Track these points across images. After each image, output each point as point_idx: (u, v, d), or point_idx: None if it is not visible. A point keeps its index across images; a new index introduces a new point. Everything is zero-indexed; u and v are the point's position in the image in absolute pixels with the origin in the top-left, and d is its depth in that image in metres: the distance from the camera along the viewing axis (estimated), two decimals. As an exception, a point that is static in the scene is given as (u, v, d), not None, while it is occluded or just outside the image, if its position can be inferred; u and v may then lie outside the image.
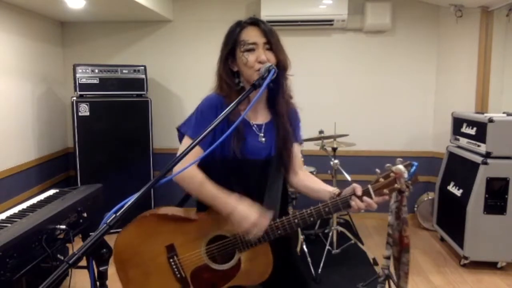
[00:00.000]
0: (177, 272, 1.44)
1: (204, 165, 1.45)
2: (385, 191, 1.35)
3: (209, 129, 1.18)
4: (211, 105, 1.47)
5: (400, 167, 1.35)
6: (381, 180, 1.36)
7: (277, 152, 1.49)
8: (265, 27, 1.43)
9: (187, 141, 1.47)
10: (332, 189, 1.46)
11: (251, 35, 1.41)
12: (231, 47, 1.45)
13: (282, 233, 1.38)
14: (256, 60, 1.40)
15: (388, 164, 1.38)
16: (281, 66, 1.43)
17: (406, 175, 1.34)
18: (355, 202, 1.35)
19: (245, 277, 1.43)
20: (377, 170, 1.38)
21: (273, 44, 1.42)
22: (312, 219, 1.39)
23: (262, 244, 1.40)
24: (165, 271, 1.44)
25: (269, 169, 1.47)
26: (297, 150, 1.56)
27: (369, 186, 1.36)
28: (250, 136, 1.47)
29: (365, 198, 1.35)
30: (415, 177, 1.37)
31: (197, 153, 1.37)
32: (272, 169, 1.48)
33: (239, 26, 1.45)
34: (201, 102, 1.53)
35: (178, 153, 1.19)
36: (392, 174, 1.35)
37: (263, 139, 1.48)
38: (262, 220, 1.34)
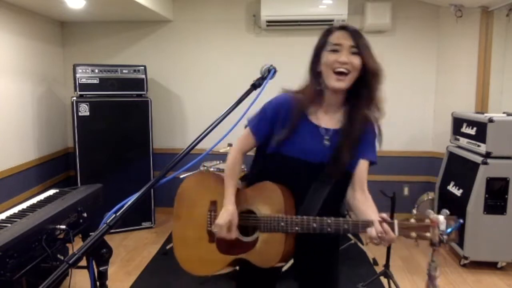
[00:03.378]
0: (210, 225, 1.60)
1: (266, 156, 1.53)
2: (413, 234, 1.25)
3: (210, 128, 1.23)
4: (279, 105, 1.49)
5: (440, 217, 1.25)
6: (413, 221, 1.27)
7: (331, 159, 1.43)
8: (354, 32, 1.41)
9: (246, 132, 1.56)
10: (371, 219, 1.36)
11: (338, 36, 1.40)
12: (320, 48, 1.44)
13: (299, 231, 1.39)
14: (335, 60, 1.37)
15: (430, 210, 1.29)
16: (368, 71, 1.38)
17: (443, 227, 1.23)
18: (374, 226, 1.28)
19: (255, 256, 1.49)
20: (414, 211, 1.30)
21: (360, 48, 1.38)
22: (329, 229, 1.35)
23: (280, 234, 1.43)
24: (203, 220, 1.62)
25: (319, 175, 1.44)
26: (362, 167, 1.46)
27: (395, 220, 1.28)
28: (311, 138, 1.45)
29: (385, 225, 1.26)
30: (454, 234, 1.24)
31: (248, 140, 1.55)
32: (321, 175, 1.44)
33: (329, 30, 1.45)
34: (268, 101, 1.54)
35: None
36: (427, 220, 1.25)
37: (327, 143, 1.45)
38: (228, 232, 1.48)
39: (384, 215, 1.30)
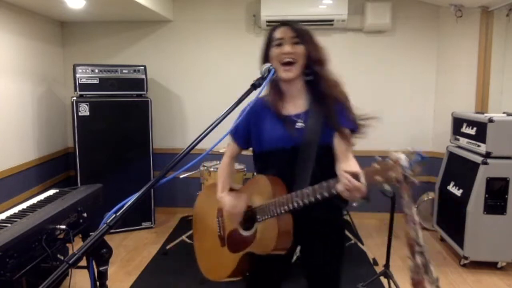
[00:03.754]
0: (219, 231, 1.72)
1: (256, 157, 1.65)
2: (378, 177, 1.22)
3: (210, 128, 1.26)
4: (248, 109, 1.49)
5: (400, 154, 1.20)
6: (376, 165, 1.24)
7: (302, 139, 1.48)
8: (295, 25, 1.51)
9: (230, 141, 1.71)
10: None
11: (281, 31, 1.50)
12: (267, 47, 1.54)
13: (287, 209, 1.42)
14: (280, 52, 1.47)
15: (390, 150, 1.25)
16: (311, 58, 1.49)
17: (405, 163, 1.19)
18: (343, 180, 1.27)
19: (257, 246, 1.55)
20: (377, 157, 1.25)
21: (301, 37, 1.48)
22: (311, 198, 1.37)
23: (271, 219, 1.47)
24: (214, 229, 1.74)
25: (297, 157, 1.49)
26: (338, 139, 1.49)
27: (361, 170, 1.27)
28: (282, 126, 1.53)
29: (348, 176, 1.27)
30: (417, 167, 1.20)
31: (233, 147, 1.71)
32: (299, 156, 1.48)
33: (273, 28, 1.54)
34: (243, 108, 1.55)
35: None
36: (389, 161, 1.21)
37: (301, 124, 1.51)
38: (235, 208, 1.59)
39: (350, 170, 1.30)
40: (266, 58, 1.53)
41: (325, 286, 1.66)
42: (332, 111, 1.48)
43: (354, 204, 1.37)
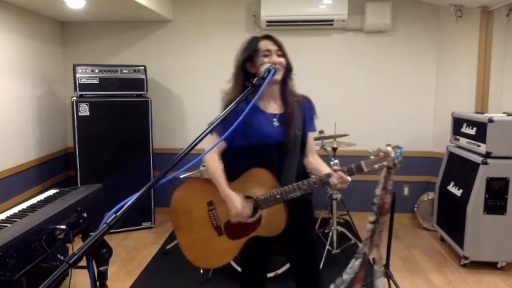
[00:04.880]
0: (214, 222, 1.85)
1: (232, 153, 1.83)
2: (375, 166, 1.71)
3: (209, 128, 1.33)
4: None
5: (389, 148, 1.72)
6: (372, 157, 1.72)
7: (288, 137, 1.78)
8: (276, 39, 1.82)
9: (214, 137, 1.78)
10: (326, 172, 1.79)
11: (266, 43, 1.79)
12: (251, 54, 1.80)
13: (293, 196, 1.73)
14: (269, 62, 1.75)
15: (378, 147, 1.74)
16: (289, 68, 1.82)
17: (393, 154, 1.71)
18: (333, 176, 1.70)
19: (264, 229, 1.79)
20: (369, 151, 1.73)
21: (282, 51, 1.80)
22: (309, 189, 1.73)
23: (278, 204, 1.75)
24: (205, 221, 1.86)
25: (283, 151, 1.78)
26: (309, 138, 1.89)
27: (361, 162, 1.70)
28: (265, 123, 1.80)
29: (339, 173, 1.70)
30: (401, 157, 1.73)
31: (215, 142, 1.76)
32: (286, 151, 1.78)
33: (256, 39, 1.82)
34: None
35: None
36: (381, 154, 1.71)
37: (277, 123, 1.80)
38: (242, 211, 1.73)
39: (336, 167, 1.73)
40: (250, 65, 1.81)
41: (310, 246, 1.95)
42: (306, 115, 1.86)
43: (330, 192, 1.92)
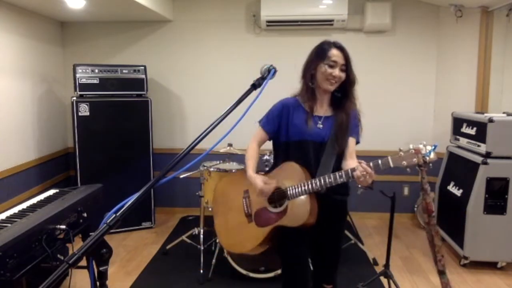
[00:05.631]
0: (246, 209, 1.98)
1: (280, 145, 1.97)
2: (404, 162, 1.63)
3: (210, 128, 1.30)
4: (282, 105, 1.95)
5: (420, 145, 1.62)
6: (402, 153, 1.64)
7: (331, 138, 1.88)
8: (346, 52, 1.88)
9: (258, 128, 2.00)
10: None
11: (335, 54, 1.86)
12: (319, 58, 1.87)
13: (318, 188, 1.79)
14: (330, 74, 1.84)
15: (410, 145, 1.66)
16: (350, 82, 1.90)
17: (424, 151, 1.60)
18: (357, 169, 1.67)
19: (288, 219, 1.86)
20: (400, 148, 1.66)
21: (348, 66, 1.87)
22: (334, 181, 1.76)
23: (302, 198, 1.82)
24: (240, 208, 2.00)
25: (323, 150, 1.88)
26: (351, 143, 1.94)
27: (388, 156, 1.66)
28: (308, 123, 1.90)
29: (363, 165, 1.67)
30: (433, 154, 1.60)
31: (261, 135, 1.98)
32: (325, 150, 1.88)
33: (328, 45, 1.88)
34: (275, 103, 1.99)
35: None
36: (412, 150, 1.63)
37: (321, 126, 1.91)
38: (266, 188, 1.84)
39: (362, 161, 1.72)
40: (314, 67, 1.88)
41: (335, 257, 2.05)
42: (351, 123, 1.91)
43: (359, 193, 1.89)
